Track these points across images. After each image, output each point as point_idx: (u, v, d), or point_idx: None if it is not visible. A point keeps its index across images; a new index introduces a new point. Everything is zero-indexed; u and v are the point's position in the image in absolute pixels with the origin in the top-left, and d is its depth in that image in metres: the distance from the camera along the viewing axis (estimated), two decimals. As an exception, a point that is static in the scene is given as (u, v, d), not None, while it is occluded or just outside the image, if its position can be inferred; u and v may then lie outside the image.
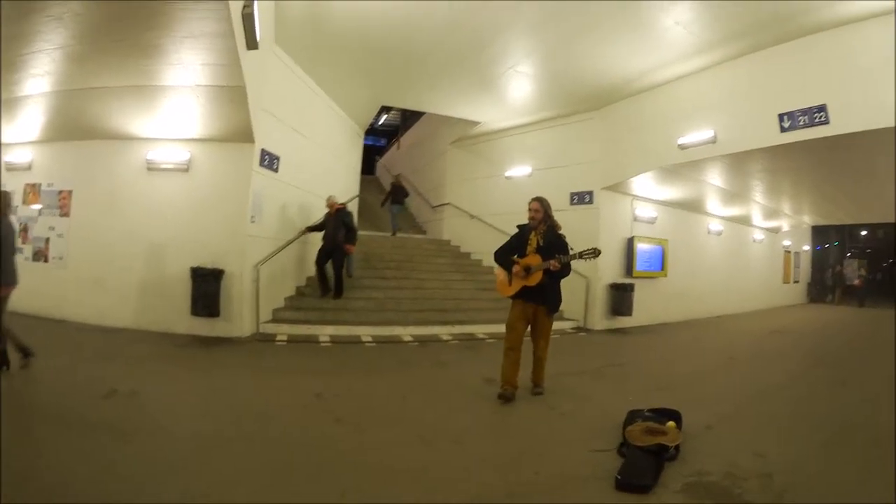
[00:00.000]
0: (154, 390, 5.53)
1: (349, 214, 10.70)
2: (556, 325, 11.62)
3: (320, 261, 10.43)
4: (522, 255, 5.98)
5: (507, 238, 6.33)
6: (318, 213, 11.35)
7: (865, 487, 3.76)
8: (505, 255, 6.13)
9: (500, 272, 6.26)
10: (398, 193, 17.25)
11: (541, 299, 5.91)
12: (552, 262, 5.66)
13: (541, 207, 6.05)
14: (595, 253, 5.79)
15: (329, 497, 3.31)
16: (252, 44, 7.11)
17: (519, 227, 6.26)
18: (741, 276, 19.13)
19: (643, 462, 3.90)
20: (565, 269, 5.81)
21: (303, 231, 10.47)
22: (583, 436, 4.72)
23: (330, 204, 10.53)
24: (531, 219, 6.08)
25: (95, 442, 3.94)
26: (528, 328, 6.08)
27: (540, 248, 5.91)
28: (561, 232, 6.04)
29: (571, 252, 5.82)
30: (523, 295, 5.94)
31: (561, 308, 11.35)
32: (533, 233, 6.05)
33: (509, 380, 5.80)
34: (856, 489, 3.74)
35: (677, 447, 4.24)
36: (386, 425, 4.82)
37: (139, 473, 3.47)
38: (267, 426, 4.60)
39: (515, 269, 5.94)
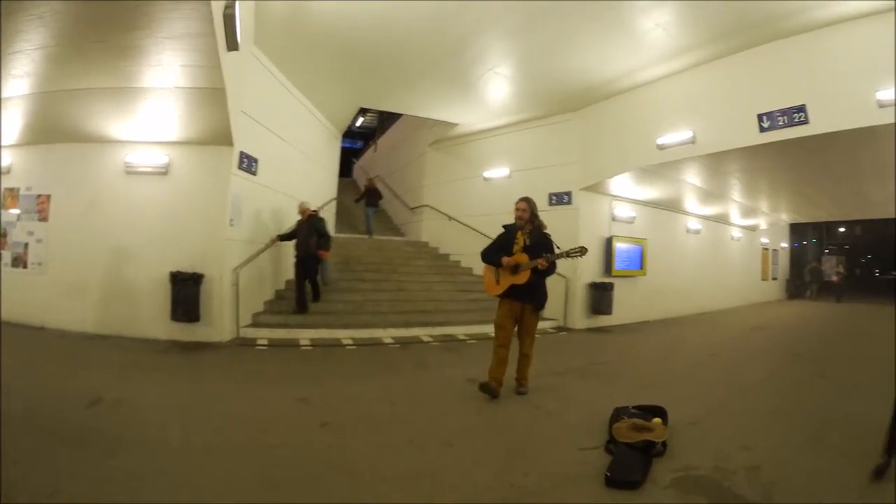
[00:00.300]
0: (138, 398, 5.43)
1: (322, 220, 10.35)
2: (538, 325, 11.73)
3: (299, 276, 10.17)
4: (509, 254, 6.03)
5: (489, 239, 6.40)
6: (296, 216, 11.29)
7: (850, 477, 3.82)
8: (492, 254, 6.17)
9: (487, 272, 6.31)
10: (372, 196, 17.59)
11: (528, 297, 5.97)
12: (540, 260, 5.76)
13: (528, 207, 6.15)
14: (582, 251, 5.94)
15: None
16: (233, 45, 7.06)
17: (505, 226, 6.32)
18: (720, 273, 19.43)
19: (631, 458, 3.94)
20: (551, 268, 5.90)
21: (273, 240, 10.18)
22: (570, 434, 4.76)
23: (302, 210, 10.32)
24: (518, 218, 6.16)
25: (82, 453, 3.86)
26: (516, 326, 6.13)
27: (527, 248, 5.98)
28: (546, 231, 6.17)
29: (558, 251, 5.93)
30: (511, 294, 6.00)
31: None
32: (519, 232, 6.12)
33: (496, 376, 5.85)
34: (841, 479, 3.81)
35: (664, 443, 4.30)
36: (374, 429, 4.78)
37: (126, 485, 3.40)
38: (253, 433, 4.53)
39: (507, 261, 5.98)
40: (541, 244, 6.00)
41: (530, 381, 6.25)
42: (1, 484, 3.11)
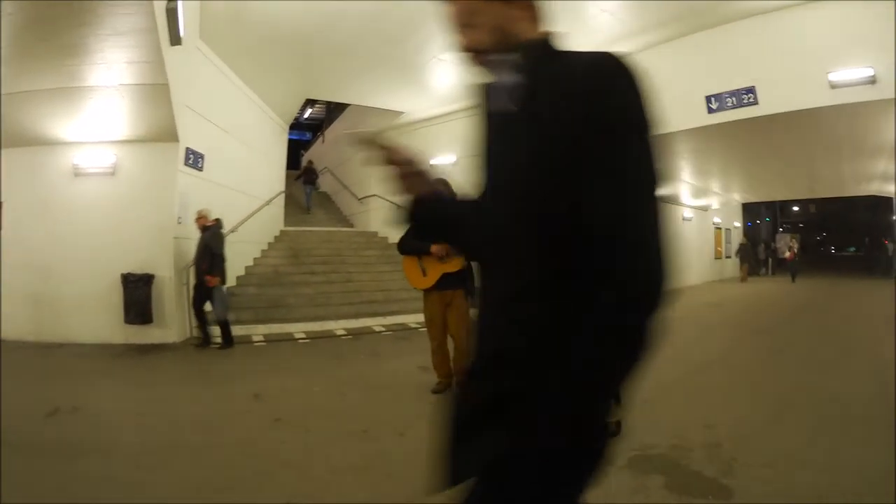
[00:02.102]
0: (95, 405, 5.42)
1: (216, 235, 8.35)
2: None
3: (196, 302, 8.46)
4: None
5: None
6: (244, 211, 11.24)
7: (813, 451, 3.95)
8: (413, 242, 5.38)
9: (408, 263, 5.65)
10: (309, 174, 19.99)
11: (460, 283, 5.40)
12: None
13: (443, 183, 5.25)
14: None
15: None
16: (175, 40, 7.04)
17: None
18: (673, 254, 19.80)
19: None
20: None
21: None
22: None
23: (198, 220, 8.51)
24: None
25: (42, 463, 3.88)
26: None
27: None
28: None
29: None
30: (441, 284, 5.44)
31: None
32: None
33: (444, 374, 5.66)
34: (804, 452, 3.92)
35: (619, 423, 4.36)
36: (327, 422, 4.86)
37: (85, 491, 3.43)
38: (207, 434, 4.57)
39: (437, 249, 5.29)
40: None
41: None
42: (1, 484, 3.14)
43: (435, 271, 5.43)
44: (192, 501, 3.35)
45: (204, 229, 8.30)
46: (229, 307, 8.59)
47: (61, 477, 3.65)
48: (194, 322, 8.62)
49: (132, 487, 3.52)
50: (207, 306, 8.33)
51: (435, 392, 5.63)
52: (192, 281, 8.49)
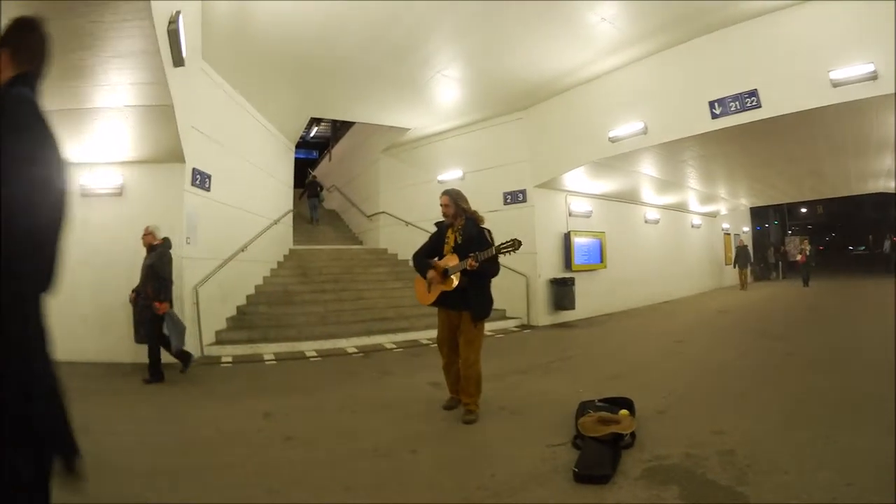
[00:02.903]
0: (105, 426, 5.34)
1: (162, 256, 7.47)
2: (500, 324, 11.86)
3: (140, 329, 7.57)
4: (442, 256, 5.44)
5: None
6: (253, 230, 11.23)
7: (827, 454, 3.90)
8: (420, 259, 5.58)
9: (417, 279, 5.67)
10: (313, 188, 20.42)
11: (463, 304, 5.28)
12: (468, 260, 5.05)
13: (450, 201, 5.45)
14: (514, 245, 5.09)
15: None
16: (178, 61, 7.00)
17: (437, 224, 5.69)
18: (682, 261, 20.00)
19: (599, 452, 3.94)
20: (490, 268, 5.18)
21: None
22: (536, 432, 4.75)
23: (144, 237, 7.67)
24: (444, 215, 5.52)
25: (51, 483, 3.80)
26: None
27: (458, 247, 5.32)
28: (485, 226, 5.41)
29: (499, 246, 5.08)
30: (443, 302, 5.44)
31: (503, 308, 11.47)
32: (450, 229, 5.50)
33: (454, 392, 5.64)
34: (818, 456, 3.86)
35: (633, 434, 4.32)
36: (339, 440, 4.79)
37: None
38: (218, 453, 4.51)
39: (430, 274, 5.39)
40: (475, 241, 5.24)
41: (494, 382, 6.12)
42: None
43: (437, 288, 5.41)
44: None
45: (150, 248, 7.57)
46: (184, 332, 7.64)
47: (70, 497, 3.59)
48: (147, 354, 7.44)
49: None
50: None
51: (446, 408, 5.59)
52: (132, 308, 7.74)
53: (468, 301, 5.25)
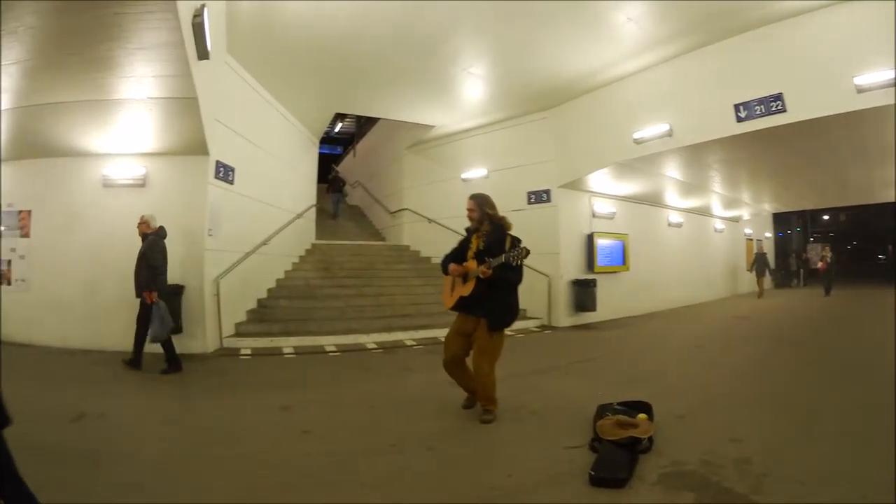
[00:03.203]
0: (122, 412, 5.40)
1: (155, 244, 7.42)
2: (521, 324, 11.79)
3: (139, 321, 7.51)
4: (464, 261, 5.35)
5: (458, 240, 5.83)
6: (276, 224, 11.27)
7: (844, 463, 3.84)
8: (445, 262, 5.51)
9: (446, 280, 5.64)
10: (336, 184, 21.05)
11: (480, 311, 5.18)
12: (481, 267, 4.98)
13: (475, 206, 5.34)
14: (522, 253, 4.86)
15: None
16: (203, 54, 7.02)
17: (467, 229, 5.57)
18: (704, 266, 19.72)
19: (616, 456, 3.89)
20: (508, 276, 5.06)
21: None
22: (554, 434, 4.71)
23: (139, 225, 7.68)
24: (469, 219, 5.42)
25: (66, 469, 3.84)
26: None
27: (479, 253, 5.20)
28: (512, 232, 5.23)
29: (507, 254, 4.92)
30: (461, 306, 5.36)
31: (524, 307, 11.39)
32: (474, 235, 5.41)
33: (468, 390, 5.51)
34: (835, 466, 3.82)
35: (650, 439, 4.26)
36: (355, 435, 4.77)
37: (110, 499, 3.38)
38: (235, 444, 4.51)
39: (452, 268, 5.36)
40: (495, 248, 5.07)
41: (512, 381, 6.06)
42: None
43: (457, 292, 5.38)
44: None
45: (144, 237, 7.54)
46: (171, 326, 7.48)
47: (84, 483, 3.61)
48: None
49: (155, 496, 3.47)
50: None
51: (464, 407, 5.52)
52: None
53: (483, 308, 5.15)
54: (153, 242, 7.40)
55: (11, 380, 6.11)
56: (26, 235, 9.06)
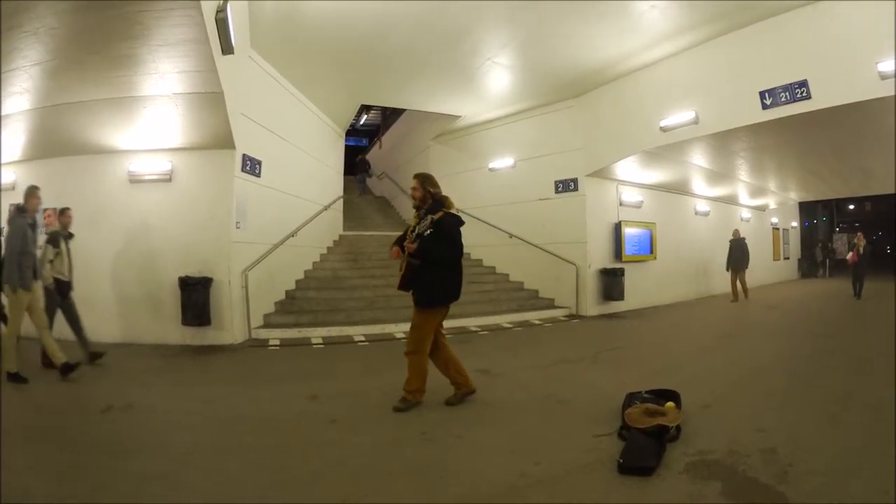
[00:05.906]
0: (149, 403, 5.48)
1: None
2: (549, 313, 11.76)
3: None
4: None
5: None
6: (303, 215, 11.34)
7: (869, 455, 3.79)
8: (393, 244, 5.39)
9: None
10: (362, 165, 23.99)
11: (411, 287, 5.16)
12: (405, 242, 5.02)
13: (418, 185, 5.32)
14: (440, 224, 5.00)
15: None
16: (227, 49, 7.07)
17: (415, 208, 5.49)
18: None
19: (644, 444, 3.87)
20: (429, 252, 4.97)
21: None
22: (582, 422, 4.70)
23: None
24: (412, 198, 5.43)
25: (93, 459, 3.90)
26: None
27: (415, 230, 5.16)
28: (454, 210, 5.24)
29: (426, 233, 4.99)
30: (402, 286, 5.26)
31: (552, 297, 11.38)
32: (415, 214, 5.36)
33: (453, 382, 5.43)
34: (860, 457, 3.77)
35: (678, 427, 4.23)
36: (384, 424, 4.79)
37: (136, 489, 3.42)
38: (263, 434, 4.55)
39: (392, 252, 5.32)
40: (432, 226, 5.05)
41: (538, 370, 6.15)
42: (1, 484, 3.16)
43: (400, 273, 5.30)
44: (244, 501, 3.32)
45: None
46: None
47: (113, 473, 3.66)
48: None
49: (183, 486, 3.50)
50: None
51: (448, 403, 5.36)
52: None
53: (413, 284, 5.14)
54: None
55: (43, 372, 6.31)
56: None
